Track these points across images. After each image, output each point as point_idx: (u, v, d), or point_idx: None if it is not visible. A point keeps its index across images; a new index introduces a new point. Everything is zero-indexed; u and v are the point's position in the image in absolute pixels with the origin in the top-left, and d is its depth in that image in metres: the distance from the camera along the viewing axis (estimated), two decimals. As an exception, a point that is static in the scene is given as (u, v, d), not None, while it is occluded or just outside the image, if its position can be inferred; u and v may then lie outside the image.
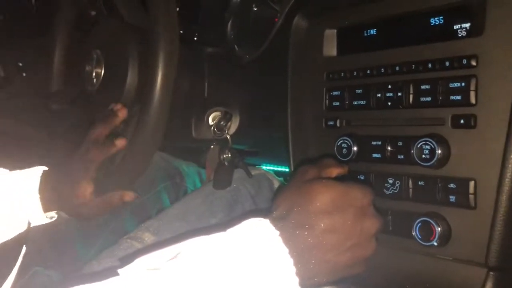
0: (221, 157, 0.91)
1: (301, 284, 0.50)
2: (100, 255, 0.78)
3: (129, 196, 0.78)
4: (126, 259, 0.53)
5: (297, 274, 0.50)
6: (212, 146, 0.98)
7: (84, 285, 0.46)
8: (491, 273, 0.62)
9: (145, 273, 0.47)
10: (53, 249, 0.88)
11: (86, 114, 0.93)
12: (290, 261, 0.50)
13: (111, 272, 0.49)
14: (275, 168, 1.24)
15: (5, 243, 0.84)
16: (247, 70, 1.01)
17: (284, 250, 0.50)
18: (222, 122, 0.95)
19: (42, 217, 0.82)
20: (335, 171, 0.66)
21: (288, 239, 0.51)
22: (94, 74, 0.87)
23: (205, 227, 0.81)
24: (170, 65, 0.69)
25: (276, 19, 0.96)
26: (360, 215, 0.55)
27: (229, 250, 0.49)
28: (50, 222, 0.88)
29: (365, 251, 0.56)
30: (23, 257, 0.87)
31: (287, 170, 1.08)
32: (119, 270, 0.49)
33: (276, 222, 0.52)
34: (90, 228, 0.92)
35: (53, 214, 0.83)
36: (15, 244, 0.88)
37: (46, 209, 0.81)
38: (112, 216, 0.94)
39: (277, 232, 0.51)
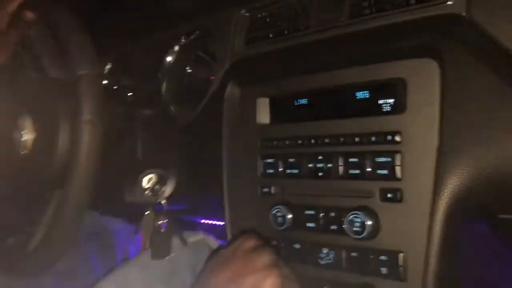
0: (155, 224, 0.89)
1: None
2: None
3: None
4: None
5: None
6: (146, 213, 0.95)
7: None
8: None
9: None
10: None
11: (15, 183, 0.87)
12: None
13: None
14: (216, 222, 1.23)
15: None
16: (183, 132, 1.00)
17: None
18: (156, 186, 0.93)
19: None
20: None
21: None
22: (23, 139, 0.82)
23: None
24: (93, 141, 0.66)
25: (212, 78, 0.96)
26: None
27: None
28: None
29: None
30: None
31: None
32: None
33: None
34: None
35: None
36: None
37: None
38: (34, 282, 0.89)
39: None
